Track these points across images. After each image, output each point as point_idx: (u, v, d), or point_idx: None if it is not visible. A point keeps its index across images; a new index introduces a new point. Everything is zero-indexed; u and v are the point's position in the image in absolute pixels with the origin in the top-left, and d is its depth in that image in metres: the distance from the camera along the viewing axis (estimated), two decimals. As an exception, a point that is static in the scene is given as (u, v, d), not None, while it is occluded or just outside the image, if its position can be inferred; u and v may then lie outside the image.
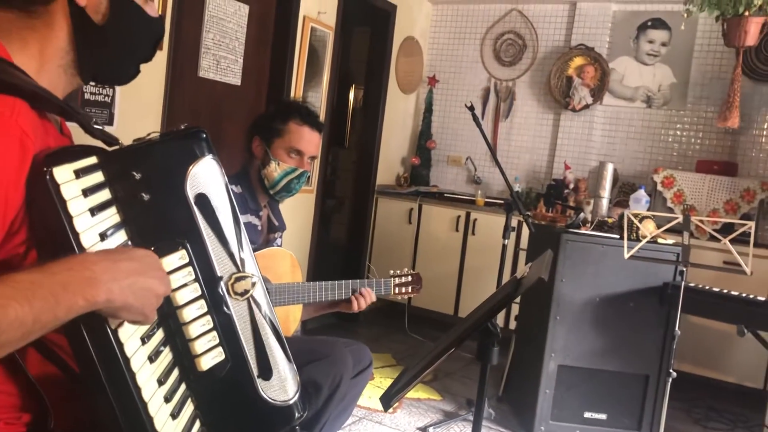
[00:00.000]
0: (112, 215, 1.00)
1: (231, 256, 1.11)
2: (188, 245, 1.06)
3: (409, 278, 2.44)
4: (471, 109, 3.47)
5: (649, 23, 4.96)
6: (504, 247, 3.57)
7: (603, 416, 3.33)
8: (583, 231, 3.31)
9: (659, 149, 4.92)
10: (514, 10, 5.44)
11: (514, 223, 3.62)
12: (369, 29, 5.40)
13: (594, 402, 3.33)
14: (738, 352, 4.10)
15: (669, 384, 2.81)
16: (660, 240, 3.21)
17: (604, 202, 3.65)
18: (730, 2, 3.01)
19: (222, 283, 1.09)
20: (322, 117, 4.01)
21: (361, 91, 5.72)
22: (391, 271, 2.43)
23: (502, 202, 4.92)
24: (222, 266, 1.10)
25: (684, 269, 2.75)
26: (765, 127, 4.54)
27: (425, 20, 5.72)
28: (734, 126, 3.80)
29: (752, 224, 2.64)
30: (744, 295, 2.95)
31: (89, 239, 0.94)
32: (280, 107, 2.41)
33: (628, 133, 5.04)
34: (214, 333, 1.08)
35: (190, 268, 1.06)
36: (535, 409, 3.30)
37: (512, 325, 4.21)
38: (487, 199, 5.05)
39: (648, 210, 3.57)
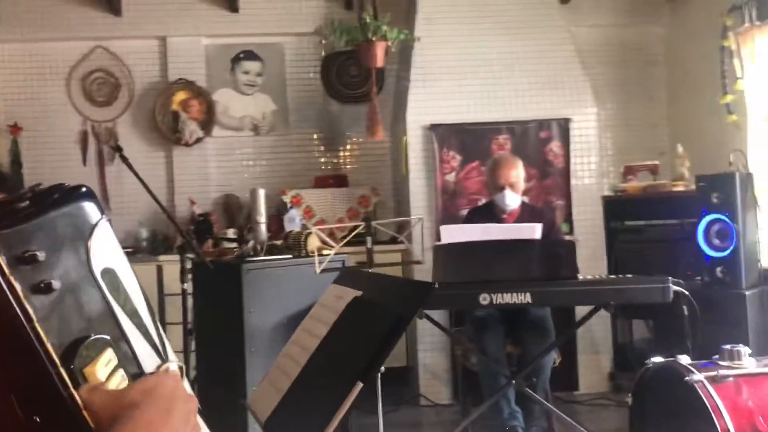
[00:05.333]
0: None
1: (152, 342, 0.85)
2: (111, 341, 0.78)
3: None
4: (116, 149, 3.17)
5: (242, 55, 5.20)
6: (184, 291, 3.36)
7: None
8: (261, 258, 3.33)
9: (278, 172, 5.20)
10: (99, 47, 5.10)
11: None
12: None
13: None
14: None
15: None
16: (334, 251, 3.43)
17: (263, 227, 3.72)
18: (359, 29, 3.40)
19: (151, 381, 0.83)
20: None
21: None
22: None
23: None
24: (148, 359, 0.84)
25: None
26: (356, 141, 5.19)
27: (-8, 62, 4.95)
28: (381, 139, 4.29)
29: (363, 223, 3.03)
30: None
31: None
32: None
33: (243, 161, 5.20)
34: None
35: (120, 371, 0.79)
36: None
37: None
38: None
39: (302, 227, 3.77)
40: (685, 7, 5.09)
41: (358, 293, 1.46)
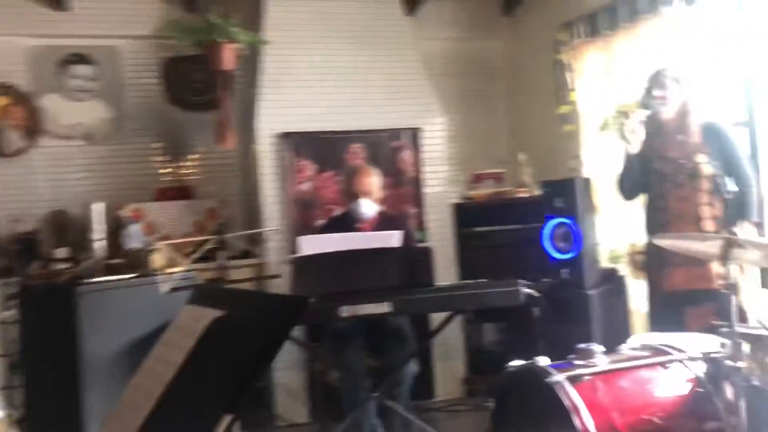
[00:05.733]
0: None
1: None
2: None
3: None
4: None
5: (72, 58, 4.76)
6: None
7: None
8: (98, 279, 3.02)
9: (115, 185, 4.79)
10: None
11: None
12: None
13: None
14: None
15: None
16: (183, 268, 3.19)
17: (100, 245, 3.39)
18: (206, 30, 3.16)
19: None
20: None
21: None
22: None
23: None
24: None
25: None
26: (202, 150, 4.91)
27: None
28: (232, 146, 4.04)
29: (214, 237, 2.88)
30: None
31: None
32: None
33: (75, 173, 4.74)
34: None
35: None
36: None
37: None
38: None
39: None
40: (521, 22, 5.36)
41: (220, 313, 1.30)
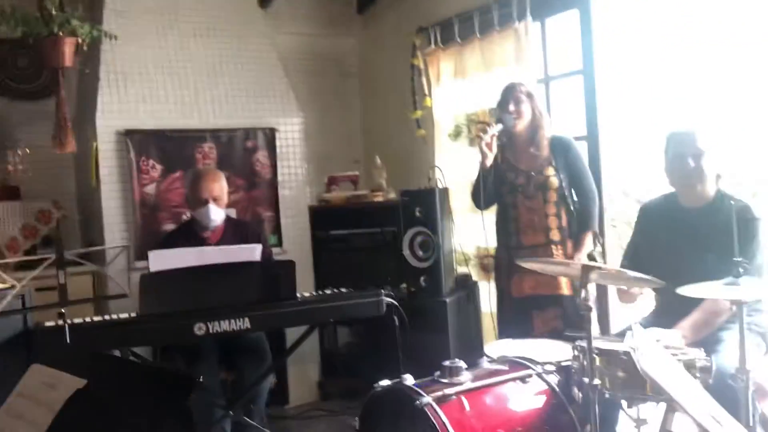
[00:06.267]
0: None
1: None
2: None
3: None
4: None
5: None
6: None
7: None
8: None
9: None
10: None
11: None
12: None
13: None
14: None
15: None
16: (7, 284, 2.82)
17: None
18: (41, 22, 2.78)
19: None
20: None
21: None
22: None
23: None
24: None
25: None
26: (32, 145, 4.42)
27: None
28: (73, 150, 3.61)
29: (51, 256, 2.62)
30: (117, 316, 2.90)
31: None
32: None
33: None
34: None
35: None
36: None
37: None
38: None
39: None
40: (375, 22, 5.35)
41: (81, 382, 1.13)
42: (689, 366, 2.24)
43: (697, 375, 2.23)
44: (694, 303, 2.55)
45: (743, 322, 2.17)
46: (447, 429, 2.19)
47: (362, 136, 5.48)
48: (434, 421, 2.20)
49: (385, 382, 2.44)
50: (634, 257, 2.94)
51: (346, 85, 5.47)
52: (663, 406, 2.28)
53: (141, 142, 3.94)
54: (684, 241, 2.77)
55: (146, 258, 3.13)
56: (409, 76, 4.71)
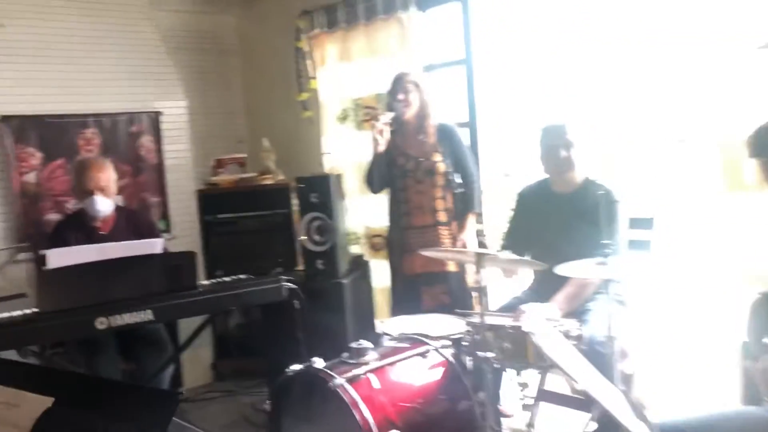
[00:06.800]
0: None
1: None
2: None
3: None
4: None
5: None
6: None
7: None
8: None
9: None
10: None
11: None
12: None
13: None
14: None
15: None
16: None
17: None
18: None
19: None
20: None
21: None
22: None
23: None
24: None
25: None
26: None
27: None
28: None
29: None
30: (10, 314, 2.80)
31: None
32: None
33: None
34: None
35: None
36: None
37: None
38: None
39: None
40: (257, 0, 5.31)
41: (48, 401, 1.19)
42: (566, 335, 2.57)
43: (573, 343, 2.56)
44: (566, 278, 2.87)
45: (611, 296, 2.49)
46: (359, 406, 2.36)
47: (246, 116, 5.46)
48: (347, 400, 2.37)
49: (296, 366, 2.57)
50: (512, 238, 3.24)
51: (225, 63, 5.41)
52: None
53: (19, 129, 3.76)
54: (556, 223, 3.08)
55: (30, 251, 3.05)
56: (294, 58, 4.75)
